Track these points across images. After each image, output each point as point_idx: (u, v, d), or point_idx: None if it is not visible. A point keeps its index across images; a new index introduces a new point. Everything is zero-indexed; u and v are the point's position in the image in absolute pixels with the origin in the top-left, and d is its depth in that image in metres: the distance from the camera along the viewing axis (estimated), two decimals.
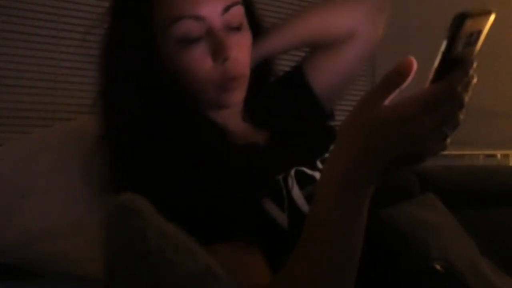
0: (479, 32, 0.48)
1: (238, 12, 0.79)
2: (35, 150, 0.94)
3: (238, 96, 0.81)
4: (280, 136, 0.86)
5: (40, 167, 0.91)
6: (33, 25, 1.76)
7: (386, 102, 0.52)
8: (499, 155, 2.41)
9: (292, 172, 0.76)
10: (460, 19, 0.45)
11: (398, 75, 0.50)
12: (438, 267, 0.76)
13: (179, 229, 0.64)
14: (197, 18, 0.75)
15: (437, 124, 0.50)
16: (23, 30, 1.74)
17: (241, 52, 0.79)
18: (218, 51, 0.75)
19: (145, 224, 0.61)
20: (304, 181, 0.76)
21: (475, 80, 0.50)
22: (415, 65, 0.50)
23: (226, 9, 0.76)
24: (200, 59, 0.76)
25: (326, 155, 0.83)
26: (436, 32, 2.63)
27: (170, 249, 0.61)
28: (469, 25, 0.45)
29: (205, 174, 0.71)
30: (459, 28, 0.45)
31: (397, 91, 0.51)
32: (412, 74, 0.50)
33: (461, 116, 0.51)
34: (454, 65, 0.48)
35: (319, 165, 0.81)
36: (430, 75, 0.49)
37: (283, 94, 0.95)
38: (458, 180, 1.62)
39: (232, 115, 0.87)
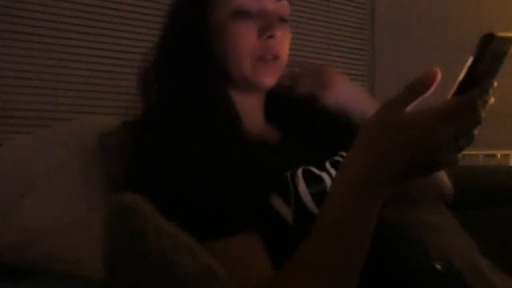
0: (503, 54, 0.51)
1: (286, 6, 0.86)
2: (35, 150, 0.94)
3: (270, 78, 0.84)
4: (292, 137, 0.88)
5: (40, 167, 0.91)
6: (33, 25, 1.77)
7: (408, 109, 0.53)
8: (499, 155, 2.41)
9: (300, 170, 0.77)
10: (487, 39, 0.48)
11: (422, 84, 0.52)
12: (438, 267, 0.76)
13: (181, 227, 0.64)
14: None
15: (453, 136, 0.52)
16: (23, 30, 1.74)
17: (284, 40, 0.85)
18: (266, 28, 0.81)
19: (145, 224, 0.61)
20: (311, 179, 0.77)
21: (492, 100, 0.52)
22: (439, 76, 0.51)
23: None
24: (247, 32, 0.81)
25: (336, 158, 0.85)
26: (436, 33, 2.63)
27: (170, 249, 0.61)
28: (494, 45, 0.49)
29: (213, 167, 0.71)
30: (485, 47, 0.48)
31: (419, 100, 0.53)
32: (435, 85, 0.52)
33: (476, 132, 0.52)
34: (476, 81, 0.50)
35: (328, 167, 0.82)
36: (453, 88, 0.51)
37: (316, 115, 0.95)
38: (458, 180, 1.61)
39: (253, 109, 0.88)
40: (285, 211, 0.73)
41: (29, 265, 0.88)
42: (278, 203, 0.73)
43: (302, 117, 0.93)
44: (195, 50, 0.83)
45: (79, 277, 0.87)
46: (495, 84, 0.52)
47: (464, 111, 0.51)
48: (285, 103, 0.94)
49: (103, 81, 1.88)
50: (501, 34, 0.48)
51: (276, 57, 0.83)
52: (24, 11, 1.75)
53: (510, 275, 1.03)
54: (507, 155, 2.43)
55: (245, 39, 0.81)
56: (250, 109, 0.88)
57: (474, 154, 2.34)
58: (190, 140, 0.74)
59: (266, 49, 0.82)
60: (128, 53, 1.93)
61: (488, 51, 0.49)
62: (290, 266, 0.62)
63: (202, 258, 0.62)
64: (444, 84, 0.54)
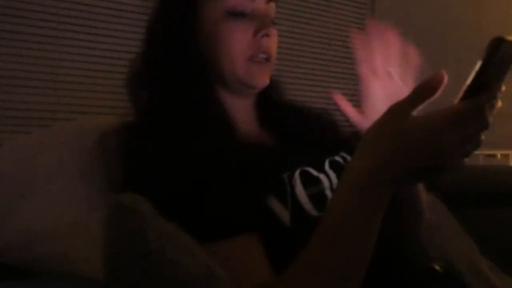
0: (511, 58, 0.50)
1: (274, 8, 0.87)
2: (35, 150, 0.94)
3: (263, 77, 0.85)
4: (288, 139, 0.88)
5: (40, 167, 0.91)
6: (33, 25, 1.77)
7: (415, 112, 0.53)
8: (499, 155, 2.41)
9: (297, 171, 0.77)
10: (496, 43, 0.47)
11: (428, 87, 0.52)
12: (437, 267, 0.76)
13: (180, 228, 0.64)
14: None
15: (461, 141, 0.52)
16: (23, 30, 1.74)
17: (275, 41, 0.86)
18: (263, 26, 0.82)
19: (145, 225, 0.61)
20: (308, 181, 0.77)
21: (499, 104, 0.52)
22: (446, 79, 0.51)
23: (269, 0, 0.85)
24: (242, 31, 0.82)
25: (336, 158, 0.85)
26: (435, 35, 2.63)
27: (170, 249, 0.61)
28: (504, 49, 0.48)
29: (210, 170, 0.71)
30: (494, 51, 0.48)
31: (426, 103, 0.53)
32: (442, 88, 0.51)
33: (483, 137, 0.52)
34: (484, 85, 0.50)
35: (327, 167, 0.82)
36: (461, 92, 0.50)
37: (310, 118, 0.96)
38: (458, 180, 1.61)
39: (246, 112, 0.89)
40: (282, 212, 0.72)
41: (29, 265, 0.88)
42: (275, 204, 0.73)
43: (299, 120, 0.93)
44: (185, 50, 0.83)
45: (79, 277, 0.86)
46: (503, 88, 0.52)
47: (472, 116, 0.51)
48: (279, 107, 0.94)
49: (103, 81, 1.88)
50: (510, 38, 0.48)
51: (268, 59, 0.85)
52: (24, 11, 1.75)
53: (510, 275, 1.03)
54: (507, 155, 2.42)
55: (240, 38, 0.82)
56: (242, 112, 0.88)
57: (474, 154, 2.34)
58: (188, 140, 0.74)
59: (259, 47, 0.83)
60: (128, 53, 1.92)
61: (498, 55, 0.48)
62: (290, 267, 0.62)
63: (202, 258, 0.62)
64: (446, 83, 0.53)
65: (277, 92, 0.95)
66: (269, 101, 0.92)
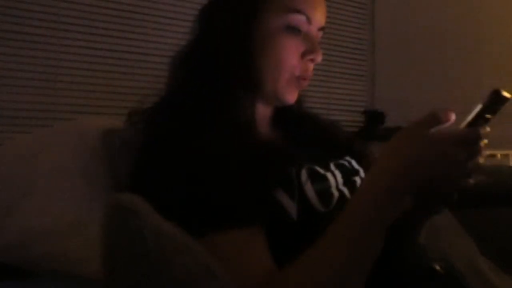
0: (500, 108, 0.63)
1: (321, 37, 0.90)
2: (35, 150, 0.94)
3: (295, 96, 0.88)
4: (297, 140, 0.90)
5: (40, 167, 0.91)
6: (33, 25, 1.77)
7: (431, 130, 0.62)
8: (499, 155, 2.41)
9: (305, 167, 0.79)
10: (495, 95, 0.61)
11: (440, 117, 0.62)
12: (437, 267, 0.76)
13: (183, 222, 0.65)
14: (309, 19, 0.85)
15: (463, 158, 0.62)
16: (23, 30, 1.75)
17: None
18: (314, 50, 0.85)
19: (144, 225, 0.61)
20: (315, 177, 0.78)
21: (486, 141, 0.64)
22: (453, 117, 0.62)
23: (322, 28, 0.88)
24: (295, 48, 0.85)
25: (340, 161, 0.87)
26: (435, 35, 2.62)
27: (169, 249, 0.61)
28: (499, 98, 0.62)
29: (214, 164, 0.72)
30: (493, 100, 0.62)
31: (438, 126, 0.63)
32: (451, 122, 0.62)
33: (481, 160, 0.64)
34: (481, 119, 0.63)
35: (333, 168, 0.84)
36: (465, 121, 0.63)
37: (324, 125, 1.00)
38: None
39: (264, 116, 0.90)
40: (290, 205, 0.74)
41: (29, 265, 0.88)
42: (283, 197, 0.74)
43: (307, 126, 0.96)
44: (236, 54, 0.83)
45: (79, 277, 0.87)
46: (488, 129, 0.63)
47: (471, 139, 0.62)
48: (293, 114, 0.96)
49: (103, 81, 1.88)
50: (506, 93, 0.61)
51: (308, 80, 0.87)
52: (24, 11, 1.75)
53: (510, 275, 1.03)
54: (507, 155, 2.42)
55: (292, 54, 0.84)
56: (262, 117, 0.90)
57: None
58: (198, 135, 0.74)
59: (305, 70, 0.86)
60: (128, 53, 1.93)
61: (494, 102, 0.62)
62: (292, 264, 0.63)
63: (202, 257, 0.62)
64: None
65: (297, 102, 0.96)
66: (286, 109, 0.94)
